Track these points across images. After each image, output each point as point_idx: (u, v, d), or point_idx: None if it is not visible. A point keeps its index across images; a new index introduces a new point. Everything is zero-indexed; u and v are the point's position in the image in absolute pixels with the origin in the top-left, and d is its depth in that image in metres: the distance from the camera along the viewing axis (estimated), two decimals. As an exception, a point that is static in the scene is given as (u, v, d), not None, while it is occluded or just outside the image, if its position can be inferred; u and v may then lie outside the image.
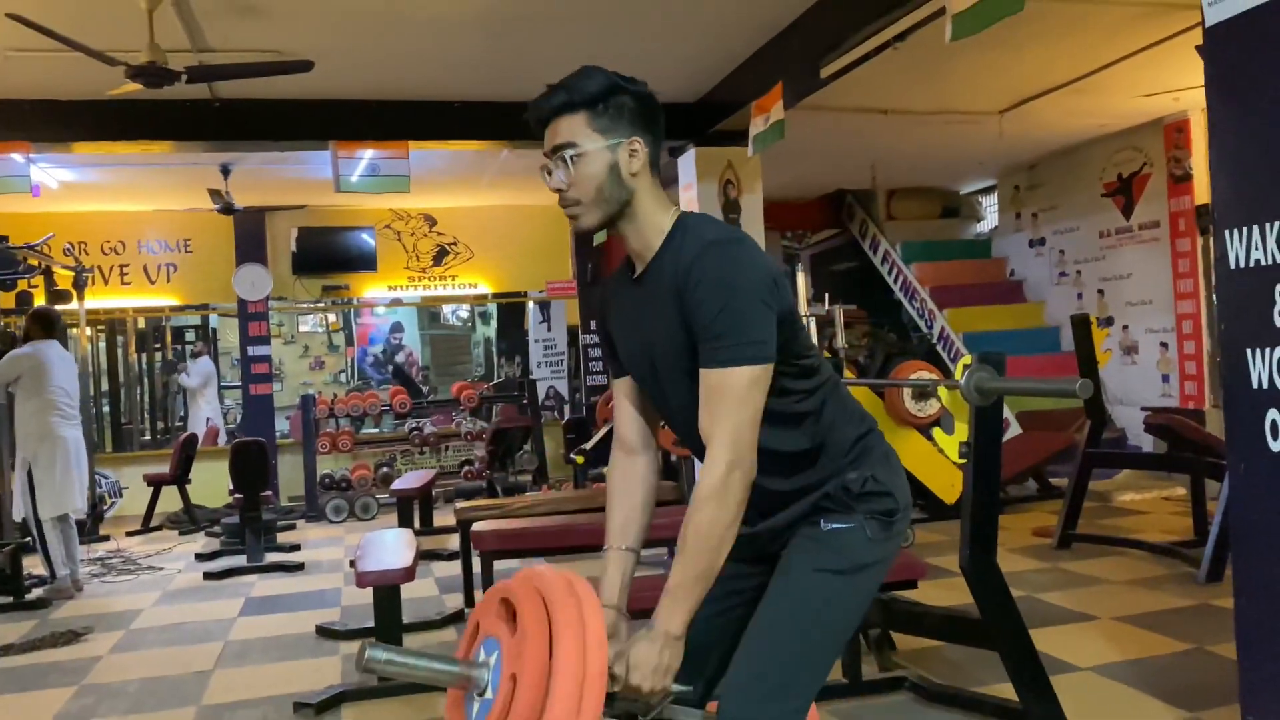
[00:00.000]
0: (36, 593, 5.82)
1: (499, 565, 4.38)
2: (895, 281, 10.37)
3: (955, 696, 3.35)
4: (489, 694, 1.58)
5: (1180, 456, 5.75)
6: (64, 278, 8.09)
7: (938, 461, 6.52)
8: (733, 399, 1.65)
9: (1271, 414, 2.47)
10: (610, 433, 7.07)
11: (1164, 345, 8.38)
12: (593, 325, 10.34)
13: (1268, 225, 2.46)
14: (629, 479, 1.92)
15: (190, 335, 10.89)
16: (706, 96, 6.54)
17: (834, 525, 1.77)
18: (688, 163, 6.84)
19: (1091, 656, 3.78)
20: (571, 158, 1.73)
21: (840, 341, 6.82)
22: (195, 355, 10.49)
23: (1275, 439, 2.46)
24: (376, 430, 10.10)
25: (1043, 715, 3.02)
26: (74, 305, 8.02)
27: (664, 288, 1.74)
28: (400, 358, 11.46)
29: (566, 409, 10.62)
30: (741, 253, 1.69)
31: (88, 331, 8.62)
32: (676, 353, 1.75)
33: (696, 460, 1.77)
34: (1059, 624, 4.23)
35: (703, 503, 1.65)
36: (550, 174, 1.78)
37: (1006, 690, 3.17)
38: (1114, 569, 5.18)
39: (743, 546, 1.73)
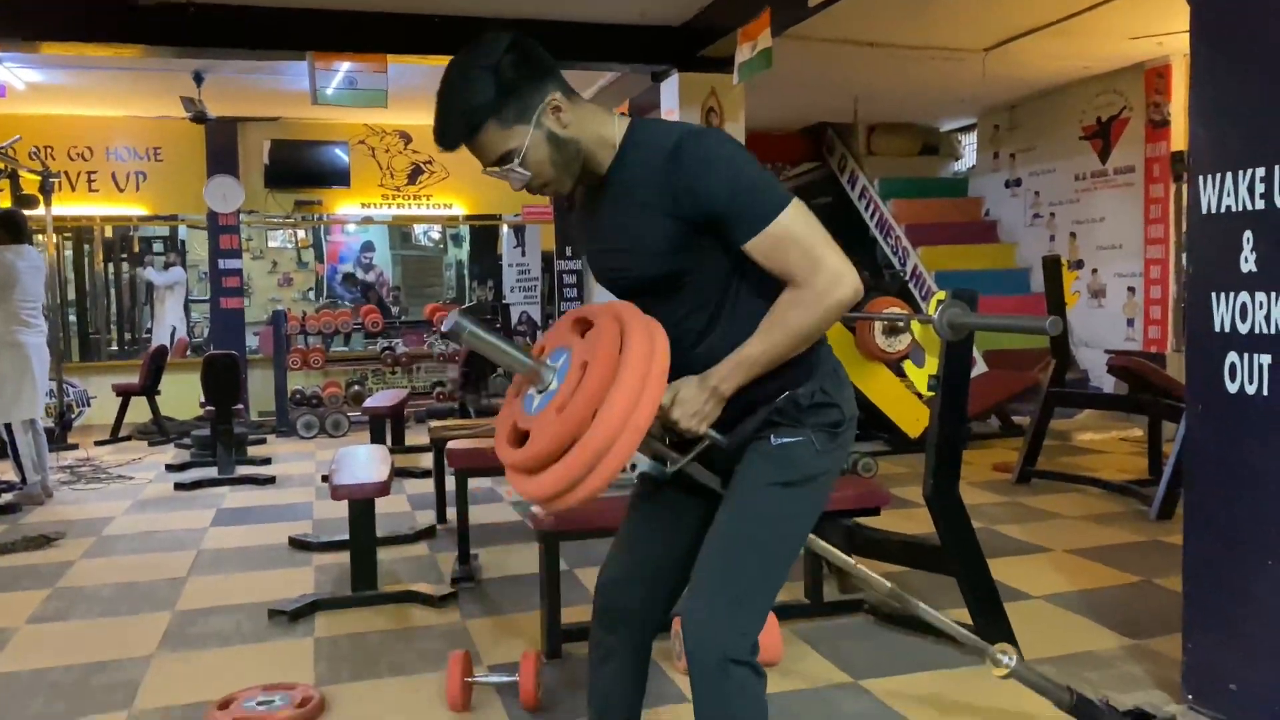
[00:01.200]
0: (6, 498, 5.83)
1: (472, 484, 4.44)
2: (872, 218, 10.40)
3: (911, 619, 3.47)
4: (554, 386, 1.69)
5: (1140, 398, 5.88)
6: (30, 182, 7.89)
7: (904, 396, 6.64)
8: (795, 239, 1.69)
9: (1231, 356, 2.56)
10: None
11: (1131, 290, 8.51)
12: (569, 251, 10.32)
13: (1241, 173, 2.51)
14: None
15: (159, 246, 10.73)
16: (692, 20, 6.46)
17: (783, 440, 1.82)
18: (670, 88, 6.78)
19: (1044, 586, 3.92)
20: (517, 164, 1.73)
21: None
22: (168, 266, 10.37)
23: (1233, 381, 2.55)
24: (345, 349, 10.08)
25: (995, 638, 3.14)
26: (41, 211, 7.87)
27: (633, 189, 1.75)
28: (371, 277, 11.39)
29: (539, 334, 10.64)
30: (716, 136, 1.75)
31: (54, 239, 8.47)
32: (654, 248, 1.76)
33: None
34: (1014, 555, 4.37)
35: (802, 304, 1.70)
36: (506, 178, 1.77)
37: (961, 614, 3.28)
38: (1070, 505, 5.34)
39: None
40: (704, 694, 1.74)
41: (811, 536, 1.96)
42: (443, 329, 1.66)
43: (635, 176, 1.75)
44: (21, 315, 5.77)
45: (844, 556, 2.18)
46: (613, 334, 1.66)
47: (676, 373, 1.71)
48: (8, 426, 5.76)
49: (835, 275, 1.69)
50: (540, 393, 1.72)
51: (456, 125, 1.71)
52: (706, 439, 1.78)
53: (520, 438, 1.73)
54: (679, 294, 1.78)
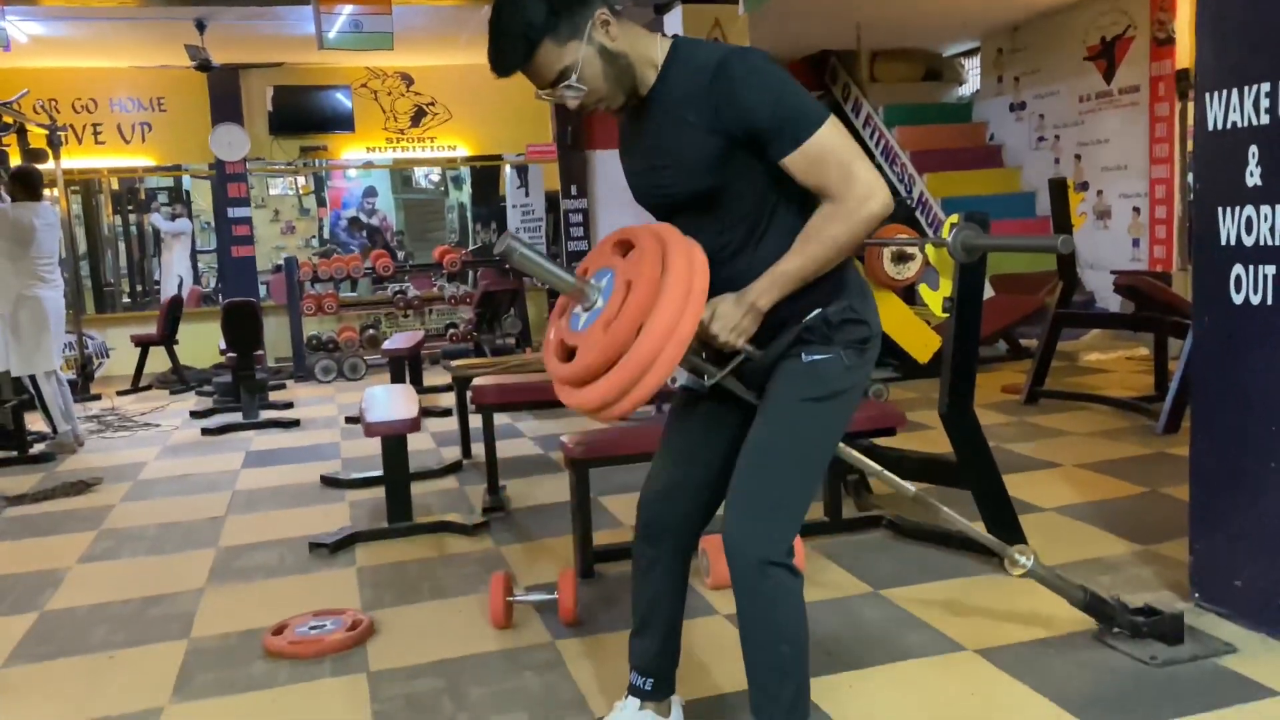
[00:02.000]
0: (40, 447, 5.98)
1: (497, 420, 4.57)
2: (876, 145, 10.38)
3: (927, 532, 3.62)
4: (600, 304, 1.79)
5: (1147, 316, 5.96)
6: (38, 136, 7.94)
7: (913, 323, 6.71)
8: (832, 154, 1.76)
9: (1236, 269, 2.65)
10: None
11: (1136, 210, 8.54)
12: (574, 190, 10.34)
13: (1246, 88, 2.58)
14: None
15: (164, 197, 10.77)
16: (695, -49, 6.43)
17: (814, 357, 1.91)
18: (674, 21, 6.76)
19: (1054, 499, 4.06)
20: (574, 81, 1.79)
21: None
22: (174, 217, 10.42)
23: (1238, 292, 2.65)
24: (354, 294, 10.17)
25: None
26: (50, 165, 7.90)
27: (674, 107, 1.82)
28: (375, 222, 11.42)
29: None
30: (759, 55, 1.81)
31: (64, 193, 8.52)
32: (695, 165, 1.83)
33: None
34: (1025, 470, 4.50)
35: (837, 219, 1.77)
36: (562, 99, 1.83)
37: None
38: (1078, 422, 5.46)
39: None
40: (745, 595, 1.87)
41: (842, 445, 2.08)
42: (495, 250, 1.74)
43: (677, 94, 1.82)
44: (38, 271, 5.86)
45: (872, 463, 2.30)
46: (655, 253, 1.74)
47: (716, 290, 1.80)
48: (32, 379, 5.89)
49: (868, 189, 1.76)
50: (586, 310, 1.82)
51: (514, 48, 1.76)
52: (744, 353, 1.88)
53: (568, 353, 1.83)
54: (718, 211, 1.85)
